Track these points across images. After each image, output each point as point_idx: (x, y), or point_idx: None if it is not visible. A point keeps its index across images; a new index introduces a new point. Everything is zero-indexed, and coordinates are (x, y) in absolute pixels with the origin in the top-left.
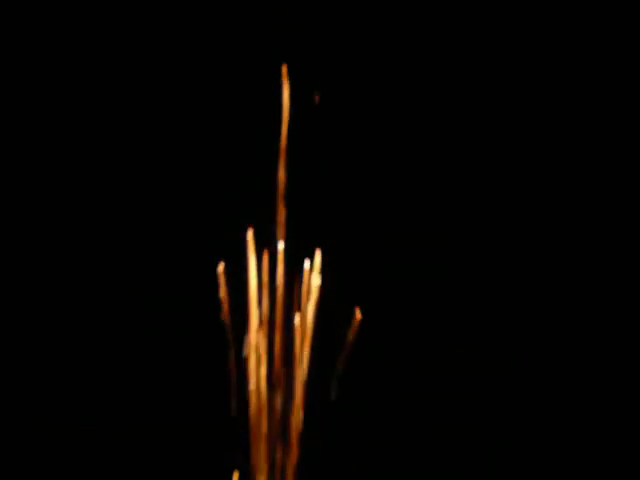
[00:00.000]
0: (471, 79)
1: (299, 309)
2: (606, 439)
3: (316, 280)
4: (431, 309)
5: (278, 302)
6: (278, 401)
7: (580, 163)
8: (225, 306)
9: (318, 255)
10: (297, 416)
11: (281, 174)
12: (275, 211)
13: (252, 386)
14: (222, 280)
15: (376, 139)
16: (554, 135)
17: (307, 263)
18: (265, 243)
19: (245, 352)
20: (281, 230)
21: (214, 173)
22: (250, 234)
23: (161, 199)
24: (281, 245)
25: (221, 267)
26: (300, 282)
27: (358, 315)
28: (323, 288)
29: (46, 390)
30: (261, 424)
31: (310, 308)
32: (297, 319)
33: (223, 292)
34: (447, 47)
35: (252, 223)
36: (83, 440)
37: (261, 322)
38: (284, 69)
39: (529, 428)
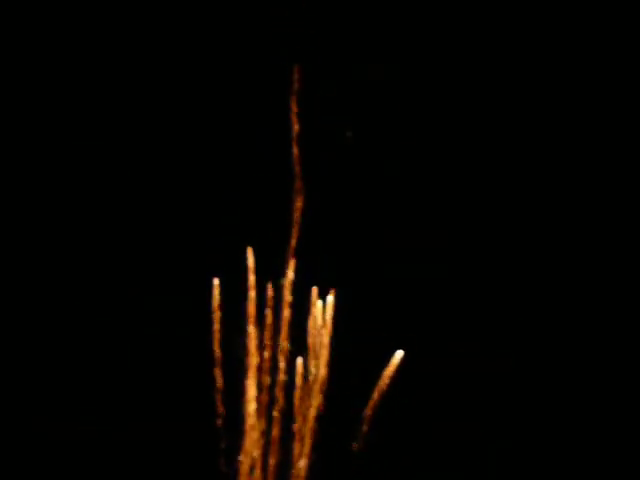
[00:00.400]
0: (470, 80)
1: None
2: (606, 439)
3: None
4: (431, 309)
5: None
6: None
7: (580, 163)
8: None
9: (331, 296)
10: None
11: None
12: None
13: None
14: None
15: (377, 140)
16: (554, 135)
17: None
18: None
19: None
20: (294, 229)
21: (219, 176)
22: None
23: (174, 210)
24: (290, 274)
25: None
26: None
27: (397, 359)
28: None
29: (46, 390)
30: None
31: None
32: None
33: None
34: (446, 47)
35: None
36: (83, 440)
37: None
38: (296, 71)
39: (529, 428)
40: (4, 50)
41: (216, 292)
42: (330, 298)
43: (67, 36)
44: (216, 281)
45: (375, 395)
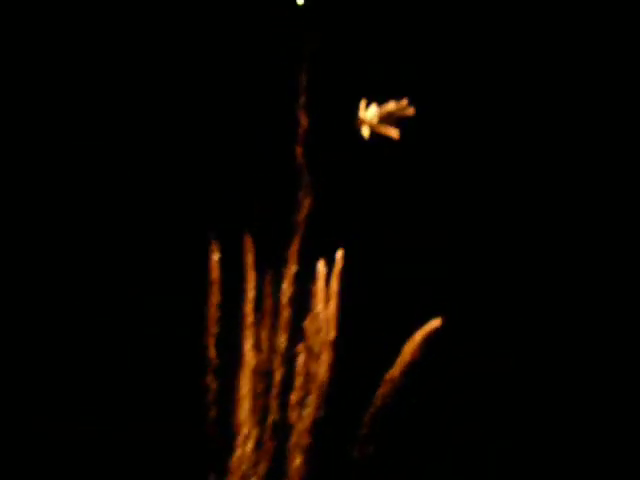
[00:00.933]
0: (470, 82)
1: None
2: (606, 439)
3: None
4: (431, 309)
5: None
6: None
7: (580, 163)
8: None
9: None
10: None
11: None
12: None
13: None
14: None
15: (378, 140)
16: (554, 136)
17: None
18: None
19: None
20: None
21: (224, 173)
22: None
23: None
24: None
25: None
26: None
27: (435, 325)
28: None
29: (46, 390)
30: None
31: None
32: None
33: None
34: (450, 50)
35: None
36: (83, 440)
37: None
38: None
39: (529, 428)
40: (4, 50)
41: (215, 261)
42: (339, 254)
43: (79, 37)
44: (215, 256)
45: (382, 391)
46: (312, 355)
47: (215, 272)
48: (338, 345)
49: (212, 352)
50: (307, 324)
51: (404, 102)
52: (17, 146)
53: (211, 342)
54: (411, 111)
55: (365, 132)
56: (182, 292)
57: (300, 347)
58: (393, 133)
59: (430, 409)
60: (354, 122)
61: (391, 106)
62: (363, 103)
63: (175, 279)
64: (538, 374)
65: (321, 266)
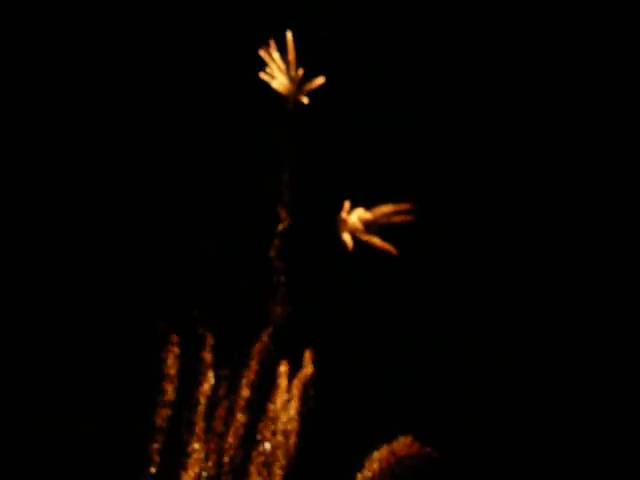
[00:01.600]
0: (470, 82)
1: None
2: (606, 439)
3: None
4: (431, 309)
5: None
6: None
7: (580, 163)
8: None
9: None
10: None
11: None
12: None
13: None
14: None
15: (377, 140)
16: (554, 136)
17: None
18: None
19: None
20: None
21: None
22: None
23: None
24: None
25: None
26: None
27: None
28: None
29: (46, 390)
30: None
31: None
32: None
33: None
34: (451, 50)
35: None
36: (83, 440)
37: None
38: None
39: (529, 428)
40: (4, 51)
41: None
42: (306, 356)
43: (69, 39)
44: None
45: None
46: (264, 469)
47: (172, 368)
48: (295, 459)
49: (155, 455)
50: (262, 429)
51: (403, 206)
52: (17, 145)
53: (156, 446)
54: (409, 218)
55: (347, 239)
56: (134, 382)
57: (254, 458)
58: (388, 247)
59: (429, 409)
60: (336, 227)
61: (382, 210)
62: (347, 205)
63: (131, 365)
64: (538, 374)
65: (283, 367)
